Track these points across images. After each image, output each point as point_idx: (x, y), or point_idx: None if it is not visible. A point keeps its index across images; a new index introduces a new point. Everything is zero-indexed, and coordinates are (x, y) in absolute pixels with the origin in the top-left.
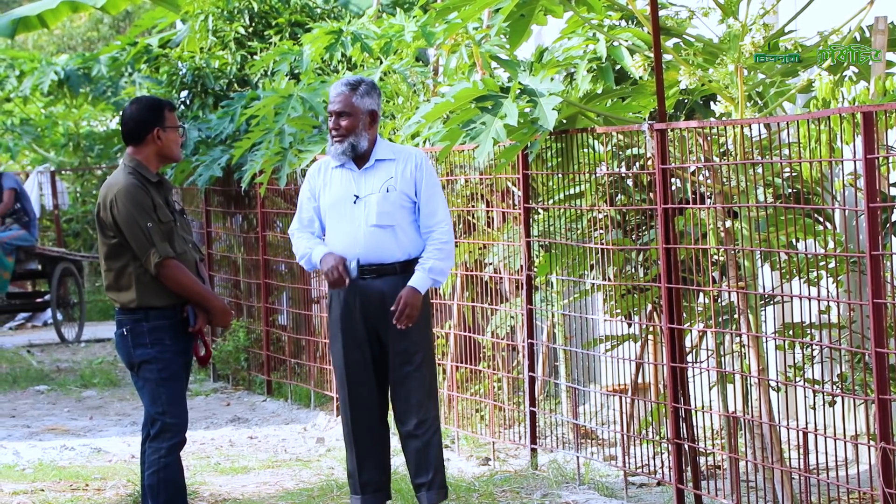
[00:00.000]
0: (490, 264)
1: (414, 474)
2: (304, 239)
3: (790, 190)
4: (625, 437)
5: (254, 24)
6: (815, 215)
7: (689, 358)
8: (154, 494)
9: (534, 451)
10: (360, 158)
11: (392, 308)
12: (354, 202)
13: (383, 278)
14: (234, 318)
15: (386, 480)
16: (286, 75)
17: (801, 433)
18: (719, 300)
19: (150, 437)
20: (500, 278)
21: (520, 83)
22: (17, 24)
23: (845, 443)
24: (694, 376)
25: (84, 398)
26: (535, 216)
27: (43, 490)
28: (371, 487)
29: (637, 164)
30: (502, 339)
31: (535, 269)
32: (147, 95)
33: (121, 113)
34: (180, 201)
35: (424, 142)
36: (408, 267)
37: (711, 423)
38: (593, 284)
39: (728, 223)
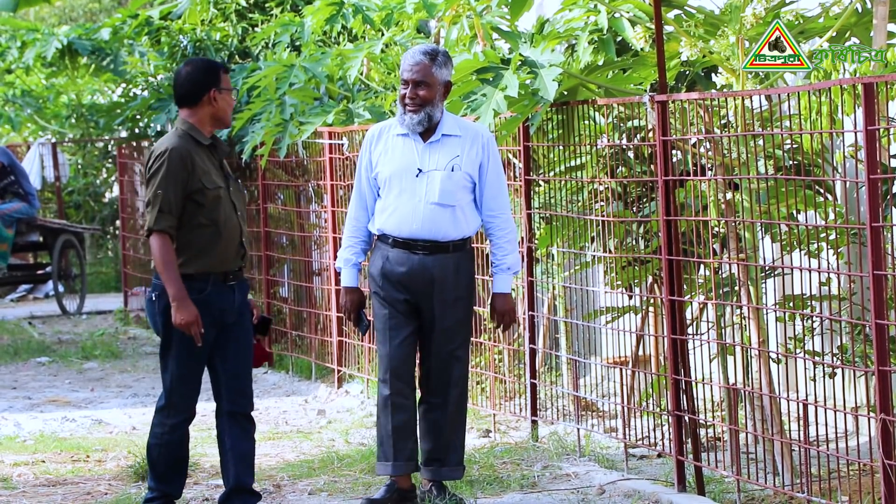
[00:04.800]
0: None
1: (432, 448)
2: (347, 242)
3: (791, 161)
4: (625, 409)
5: None
6: (816, 187)
7: (690, 330)
8: (154, 462)
9: (534, 423)
10: (426, 130)
11: (496, 326)
12: (417, 175)
13: (435, 256)
14: (188, 325)
15: (416, 450)
16: (287, 47)
17: (801, 405)
18: (720, 272)
19: (157, 409)
20: None
21: (521, 55)
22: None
23: (845, 414)
24: (694, 348)
25: (85, 370)
26: (536, 188)
27: (44, 461)
28: (405, 455)
29: (638, 135)
30: None
31: (536, 242)
32: (201, 57)
33: (175, 74)
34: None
35: None
36: (459, 246)
37: (712, 395)
38: (594, 256)
39: (729, 195)
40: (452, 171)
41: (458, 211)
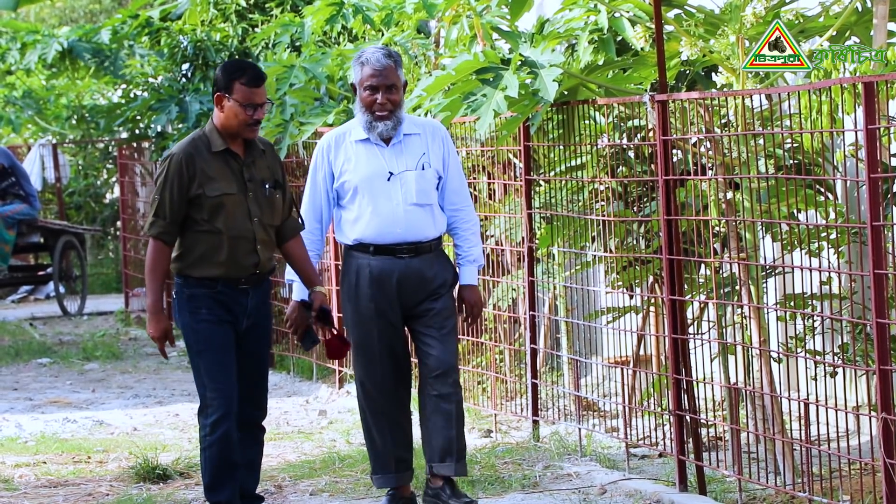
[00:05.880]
0: (491, 236)
1: (446, 441)
2: None
3: (791, 161)
4: (626, 408)
5: None
6: (817, 186)
7: (691, 329)
8: (202, 471)
9: (536, 423)
10: None
11: (464, 318)
12: (388, 179)
13: (420, 257)
14: (154, 339)
15: (411, 458)
16: (287, 47)
17: (802, 404)
18: (721, 272)
19: (198, 412)
20: (502, 250)
21: (521, 55)
22: None
23: (846, 413)
24: (695, 348)
25: (86, 371)
26: (537, 188)
27: (45, 462)
28: (403, 465)
29: (638, 135)
30: (504, 312)
31: (537, 241)
32: (239, 59)
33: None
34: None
35: (426, 114)
36: (436, 245)
37: (713, 395)
38: (595, 256)
39: (729, 194)
40: (423, 169)
41: (434, 209)
